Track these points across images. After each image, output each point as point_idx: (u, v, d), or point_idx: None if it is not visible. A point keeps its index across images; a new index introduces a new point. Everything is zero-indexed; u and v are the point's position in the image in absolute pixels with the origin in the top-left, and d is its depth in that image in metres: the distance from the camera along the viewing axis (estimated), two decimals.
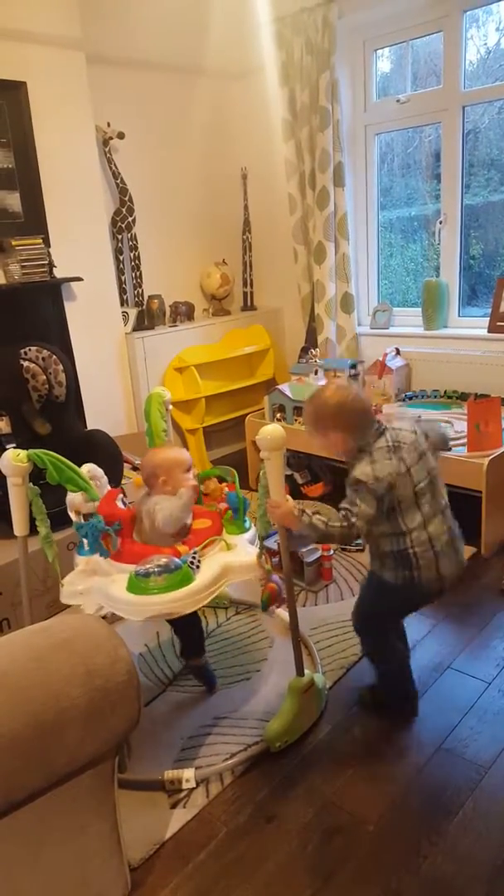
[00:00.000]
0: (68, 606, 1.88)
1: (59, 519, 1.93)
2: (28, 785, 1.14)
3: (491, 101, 3.26)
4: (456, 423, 3.01)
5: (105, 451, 2.80)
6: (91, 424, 3.28)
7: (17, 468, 1.72)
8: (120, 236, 3.58)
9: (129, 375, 3.63)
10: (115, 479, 2.69)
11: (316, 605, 2.49)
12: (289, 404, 3.25)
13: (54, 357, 2.81)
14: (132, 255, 3.64)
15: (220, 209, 4.14)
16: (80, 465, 1.83)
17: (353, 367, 3.47)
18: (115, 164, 3.47)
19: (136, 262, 3.65)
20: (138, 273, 3.68)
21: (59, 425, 2.83)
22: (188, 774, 1.71)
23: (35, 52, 2.96)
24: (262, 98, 3.80)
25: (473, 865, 1.46)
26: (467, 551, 2.71)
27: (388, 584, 1.75)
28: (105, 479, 1.94)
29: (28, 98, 2.96)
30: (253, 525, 1.91)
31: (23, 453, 1.72)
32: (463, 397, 3.31)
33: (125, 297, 3.67)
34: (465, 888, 1.41)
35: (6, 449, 1.77)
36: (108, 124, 3.41)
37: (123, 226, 3.56)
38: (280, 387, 3.39)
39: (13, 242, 2.92)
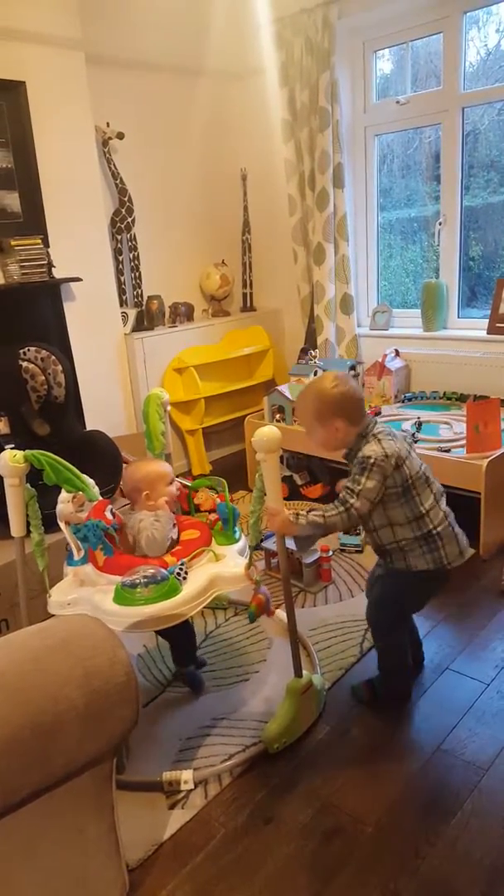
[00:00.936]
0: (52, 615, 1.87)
1: (56, 521, 1.92)
2: (26, 786, 1.14)
3: (491, 102, 3.26)
4: (455, 425, 3.01)
5: (104, 452, 2.80)
6: (90, 425, 3.28)
7: (14, 469, 1.71)
8: (119, 237, 3.58)
9: (128, 376, 3.63)
10: (113, 480, 2.69)
11: (315, 606, 2.48)
12: (288, 405, 3.25)
13: (53, 357, 2.81)
14: (131, 255, 3.64)
15: (220, 210, 4.14)
16: (78, 466, 1.83)
17: (353, 368, 3.47)
18: (114, 165, 3.47)
19: (136, 262, 3.65)
20: (138, 273, 3.68)
21: (58, 426, 2.83)
22: (186, 775, 1.71)
23: (34, 52, 2.96)
24: (262, 99, 3.81)
25: (472, 866, 1.45)
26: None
27: (416, 572, 1.76)
28: (97, 489, 1.94)
29: (27, 98, 2.97)
30: (244, 535, 1.91)
31: (19, 454, 1.71)
32: (462, 398, 3.31)
33: (124, 298, 3.67)
34: (464, 889, 1.41)
35: (4, 450, 1.77)
36: (108, 124, 3.41)
37: (123, 226, 3.56)
38: (279, 388, 3.39)
39: (12, 242, 2.92)
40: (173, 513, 1.95)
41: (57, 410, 2.83)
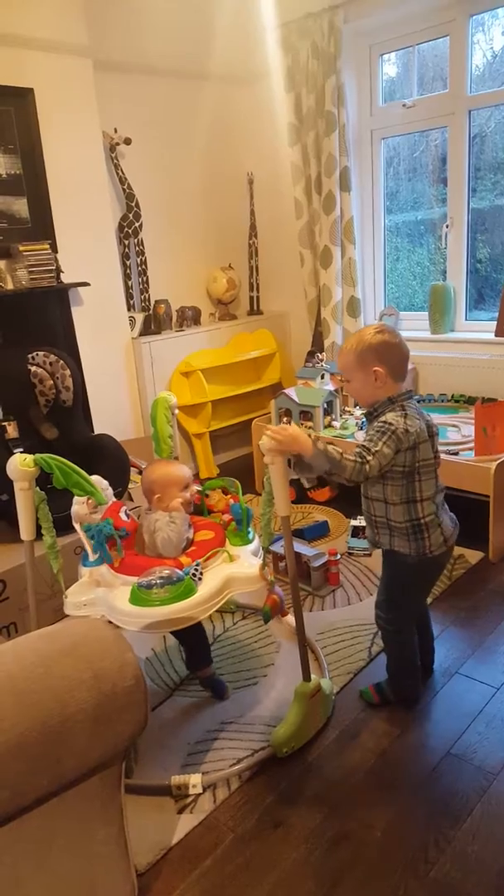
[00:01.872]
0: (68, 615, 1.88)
1: (66, 523, 1.93)
2: (35, 789, 1.14)
3: (497, 104, 3.26)
4: (463, 427, 3.00)
5: (112, 456, 2.81)
6: (98, 429, 3.30)
7: (24, 472, 1.72)
8: (127, 241, 3.60)
9: (135, 380, 3.64)
10: (121, 483, 2.70)
11: (323, 609, 2.48)
12: (295, 408, 3.25)
13: (61, 362, 2.82)
14: (139, 260, 3.65)
15: (227, 214, 4.15)
16: (86, 470, 1.83)
17: None
18: (121, 170, 3.49)
19: (143, 267, 3.67)
20: (145, 278, 3.69)
21: (67, 430, 2.85)
22: (195, 780, 1.71)
23: (42, 59, 2.99)
24: (268, 103, 3.82)
25: (481, 872, 1.45)
26: (475, 556, 2.70)
27: (403, 555, 1.77)
28: (110, 490, 1.94)
29: (35, 105, 2.99)
30: (257, 536, 1.91)
31: (29, 458, 1.72)
32: (470, 401, 3.31)
33: (132, 302, 3.69)
34: (473, 894, 1.40)
35: (14, 453, 1.77)
36: (115, 130, 3.43)
37: (130, 231, 3.57)
38: (286, 391, 3.39)
39: (21, 248, 2.94)
40: (188, 514, 1.96)
41: (65, 414, 2.84)
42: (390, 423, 1.64)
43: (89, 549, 1.77)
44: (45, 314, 3.13)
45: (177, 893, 1.47)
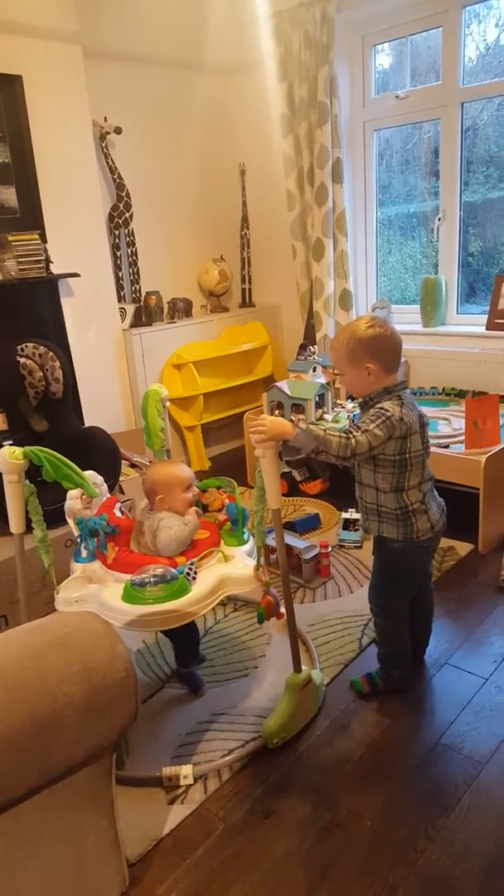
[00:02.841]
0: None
1: (56, 516, 1.93)
2: (26, 782, 1.14)
3: (490, 97, 3.26)
4: (454, 420, 3.01)
5: (102, 449, 2.79)
6: (88, 421, 3.28)
7: (13, 465, 1.71)
8: (117, 232, 3.57)
9: (126, 372, 3.63)
10: (113, 476, 2.69)
11: (314, 601, 2.49)
12: (287, 401, 3.25)
13: (51, 353, 2.80)
14: (129, 250, 3.63)
15: (218, 205, 4.13)
16: (77, 462, 1.82)
17: None
18: (111, 159, 3.46)
19: (134, 258, 3.64)
20: (136, 269, 3.67)
21: (57, 422, 2.83)
22: (186, 771, 1.71)
23: (31, 46, 2.95)
24: (261, 93, 3.80)
25: (470, 860, 1.46)
26: (465, 548, 2.72)
27: (391, 540, 1.79)
28: (105, 486, 1.93)
29: (24, 92, 2.95)
30: (252, 537, 1.90)
31: (18, 450, 1.71)
32: (461, 394, 3.32)
33: (122, 294, 3.67)
34: (462, 882, 1.42)
35: (2, 446, 1.76)
36: (105, 119, 3.39)
37: (121, 221, 3.55)
38: (278, 384, 3.38)
39: (9, 238, 2.91)
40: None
41: (55, 406, 2.83)
42: (386, 410, 1.66)
43: (83, 548, 1.77)
44: (34, 305, 3.11)
45: (168, 884, 1.47)
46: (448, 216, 3.47)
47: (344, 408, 3.36)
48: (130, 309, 3.63)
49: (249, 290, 4.29)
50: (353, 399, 3.46)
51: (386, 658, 1.97)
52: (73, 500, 1.77)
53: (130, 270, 3.67)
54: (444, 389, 3.40)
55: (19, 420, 2.75)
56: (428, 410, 3.15)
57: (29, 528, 1.82)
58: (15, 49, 2.90)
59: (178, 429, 3.85)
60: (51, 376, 2.78)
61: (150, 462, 2.23)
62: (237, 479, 3.54)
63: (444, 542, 2.77)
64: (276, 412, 3.44)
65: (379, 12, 3.38)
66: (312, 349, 3.68)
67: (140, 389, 3.58)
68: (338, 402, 3.45)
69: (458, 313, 3.59)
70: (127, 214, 3.55)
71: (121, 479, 2.92)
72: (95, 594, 1.70)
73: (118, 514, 1.92)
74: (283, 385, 3.36)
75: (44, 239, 3.05)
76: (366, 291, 3.94)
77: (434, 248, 3.61)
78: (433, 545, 1.89)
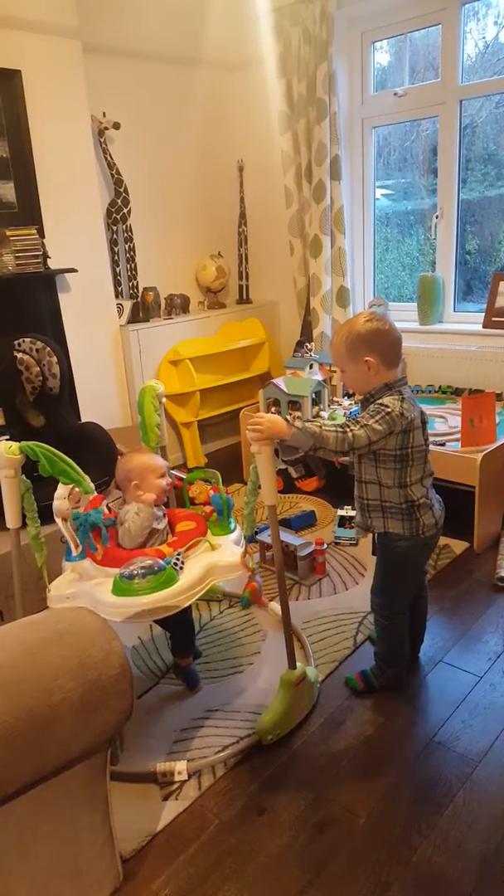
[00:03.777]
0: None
1: (51, 513, 1.92)
2: (20, 777, 1.14)
3: (489, 95, 3.26)
4: (450, 418, 3.02)
5: (99, 444, 2.79)
6: (85, 417, 3.27)
7: (10, 460, 1.71)
8: (115, 227, 3.56)
9: (123, 368, 3.62)
10: (109, 472, 2.68)
11: (309, 598, 2.49)
12: (283, 398, 3.25)
13: (48, 349, 2.79)
14: (127, 246, 3.62)
15: (216, 201, 4.12)
16: (73, 458, 1.82)
17: None
18: (110, 155, 3.45)
19: (131, 253, 3.63)
20: (133, 265, 3.66)
21: (53, 418, 2.82)
22: (180, 767, 1.72)
23: (30, 41, 2.94)
24: (260, 89, 3.79)
25: (463, 857, 1.47)
26: (460, 546, 2.72)
27: (397, 536, 1.79)
28: (92, 485, 1.93)
29: (23, 87, 2.94)
30: (238, 526, 1.91)
31: (15, 445, 1.71)
32: (457, 392, 3.32)
33: (120, 289, 3.66)
34: (455, 880, 1.42)
35: None
36: (104, 114, 3.38)
37: (118, 217, 3.54)
38: (275, 381, 3.38)
39: (7, 233, 2.90)
40: (165, 505, 1.95)
41: (52, 402, 2.82)
42: (386, 405, 1.66)
43: (72, 545, 1.76)
44: (31, 300, 3.10)
45: (162, 879, 1.47)
46: (445, 214, 3.47)
47: (340, 405, 3.36)
48: (128, 305, 3.63)
49: (247, 286, 4.29)
50: (350, 396, 3.46)
51: (384, 656, 1.98)
52: (60, 500, 1.76)
53: (128, 266, 3.66)
54: (440, 387, 3.40)
55: (16, 415, 2.74)
56: (424, 408, 3.16)
57: (24, 523, 1.82)
58: (14, 44, 2.89)
59: (175, 425, 3.85)
60: (48, 372, 2.77)
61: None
62: (233, 476, 3.57)
63: (440, 541, 2.77)
64: (273, 409, 3.44)
65: (378, 9, 3.37)
66: (309, 346, 3.68)
67: (137, 385, 3.57)
68: (334, 399, 3.45)
69: (454, 311, 3.59)
70: (125, 210, 3.54)
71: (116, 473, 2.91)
72: (87, 590, 1.70)
73: (105, 511, 1.92)
74: (279, 382, 3.36)
75: (41, 234, 3.04)
76: (363, 288, 3.94)
77: (431, 245, 3.61)
78: (436, 541, 1.89)
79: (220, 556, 1.77)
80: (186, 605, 1.67)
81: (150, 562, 1.65)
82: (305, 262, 3.83)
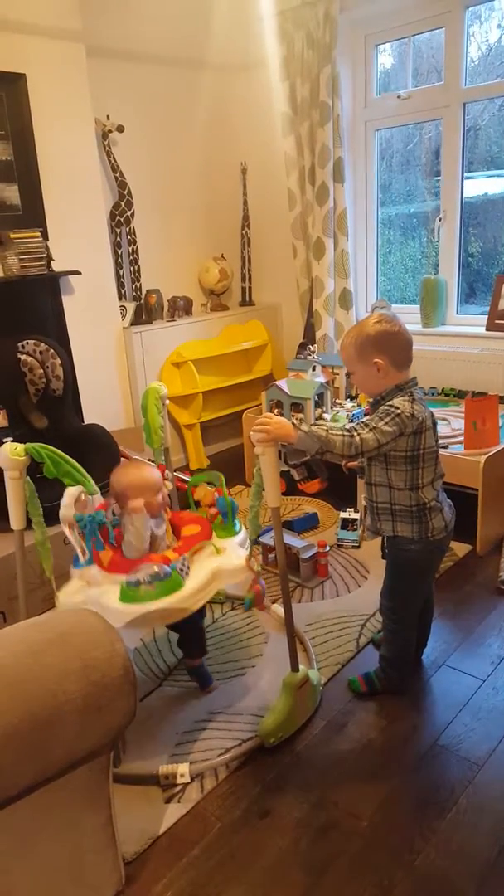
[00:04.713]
0: None
1: (55, 514, 1.92)
2: (23, 779, 1.14)
3: (492, 98, 3.26)
4: (453, 421, 3.02)
5: (102, 446, 2.79)
6: (88, 419, 3.28)
7: (15, 461, 1.71)
8: (118, 230, 3.57)
9: (126, 370, 3.63)
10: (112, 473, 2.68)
11: (311, 601, 2.49)
12: (286, 400, 3.25)
13: (52, 351, 2.80)
14: (130, 249, 3.62)
15: (220, 204, 4.13)
16: (77, 460, 1.82)
17: None
18: (114, 158, 3.46)
19: (135, 256, 3.64)
20: (136, 267, 3.66)
21: (57, 419, 2.83)
22: (183, 769, 1.72)
23: (35, 44, 2.94)
24: (263, 92, 3.79)
25: (466, 861, 1.46)
26: (463, 548, 2.72)
27: (406, 539, 1.78)
28: (96, 487, 1.93)
29: (27, 90, 2.95)
30: (243, 528, 1.91)
31: (20, 447, 1.71)
32: (460, 395, 3.32)
33: (123, 292, 3.66)
34: (458, 883, 1.42)
35: (3, 443, 1.76)
36: (108, 117, 3.39)
37: (122, 219, 3.54)
38: (277, 383, 3.38)
39: (11, 235, 2.90)
40: (168, 510, 1.96)
41: (55, 404, 2.83)
42: (396, 407, 1.65)
43: (80, 552, 1.76)
44: (35, 302, 3.10)
45: (164, 882, 1.47)
46: (448, 216, 3.47)
47: (343, 407, 3.36)
48: (131, 307, 3.63)
49: (249, 288, 4.29)
50: (353, 398, 3.46)
51: (390, 660, 1.97)
52: (67, 508, 1.75)
53: (131, 268, 3.66)
54: (443, 390, 3.40)
55: (19, 417, 2.74)
56: None
57: (28, 525, 1.82)
58: (18, 47, 2.90)
59: (177, 427, 3.85)
60: (51, 373, 2.78)
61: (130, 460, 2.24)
62: (236, 478, 3.57)
63: None
64: (276, 411, 3.44)
65: (381, 12, 3.38)
66: (312, 348, 3.68)
67: (140, 387, 3.57)
68: (337, 401, 3.45)
69: (457, 314, 3.59)
70: (128, 212, 3.54)
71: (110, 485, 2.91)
72: (94, 598, 1.70)
73: (110, 515, 1.93)
74: (282, 384, 3.36)
75: (45, 236, 3.05)
76: (366, 291, 3.94)
77: (434, 248, 3.61)
78: (446, 544, 1.87)
79: (225, 560, 1.78)
80: (194, 609, 1.67)
81: (156, 568, 1.66)
82: (308, 264, 3.83)
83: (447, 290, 3.54)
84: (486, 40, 3.27)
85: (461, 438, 2.74)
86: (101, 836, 1.35)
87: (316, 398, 3.19)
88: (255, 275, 4.29)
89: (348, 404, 3.38)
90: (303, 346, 3.78)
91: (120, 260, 3.61)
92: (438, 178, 3.48)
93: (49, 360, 2.78)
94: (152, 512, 1.85)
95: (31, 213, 3.07)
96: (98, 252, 3.39)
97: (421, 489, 1.74)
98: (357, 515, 2.87)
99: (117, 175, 3.48)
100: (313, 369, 3.41)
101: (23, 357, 2.72)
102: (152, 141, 3.70)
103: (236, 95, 4.01)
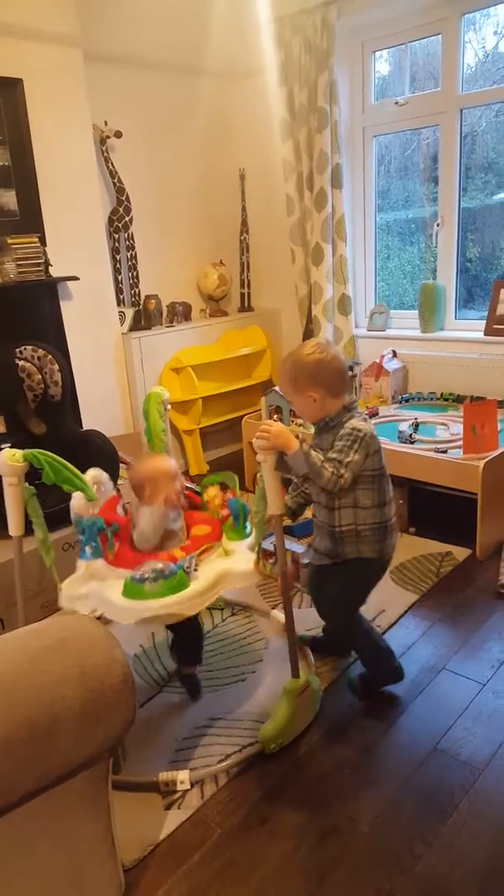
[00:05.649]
0: (62, 608, 1.88)
1: (56, 520, 1.93)
2: (22, 787, 1.13)
3: (488, 104, 3.27)
4: (452, 426, 3.02)
5: (101, 452, 2.79)
6: (87, 425, 3.27)
7: (14, 468, 1.71)
8: (117, 236, 3.58)
9: (125, 376, 3.63)
10: (112, 479, 2.68)
11: (311, 607, 2.48)
12: (285, 406, 3.25)
13: (50, 356, 2.80)
14: (129, 254, 3.63)
15: (218, 209, 4.14)
16: (75, 465, 1.83)
17: (350, 368, 3.46)
18: (112, 163, 3.47)
19: (133, 261, 3.65)
20: (135, 273, 3.67)
21: (55, 425, 2.82)
22: (183, 776, 1.71)
23: (32, 49, 2.96)
24: (261, 98, 3.80)
25: (467, 866, 1.46)
26: (462, 553, 2.72)
27: (366, 559, 1.80)
28: (110, 484, 1.94)
29: (24, 95, 2.96)
30: (253, 531, 1.91)
31: (19, 453, 1.71)
32: (459, 400, 3.32)
33: (122, 297, 3.67)
34: (459, 889, 1.41)
35: (1, 449, 1.76)
36: (106, 123, 3.40)
37: (120, 225, 3.55)
38: (276, 388, 3.39)
39: (9, 241, 2.91)
40: (182, 508, 1.96)
41: (53, 409, 2.82)
42: (358, 430, 1.67)
43: (88, 547, 1.77)
44: (33, 308, 3.10)
45: (164, 889, 1.47)
46: (446, 222, 3.48)
47: None
48: (129, 312, 3.64)
49: (248, 294, 4.30)
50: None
51: (370, 660, 2.01)
52: (78, 499, 1.77)
53: (130, 274, 3.67)
54: (442, 395, 3.40)
55: (18, 423, 2.74)
56: (426, 416, 3.19)
57: (28, 530, 1.82)
58: (16, 52, 2.91)
59: (177, 432, 3.85)
60: (49, 379, 2.78)
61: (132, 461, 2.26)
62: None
63: (442, 548, 2.77)
64: (275, 416, 3.44)
65: (379, 19, 3.40)
66: None
67: (139, 393, 3.58)
68: None
69: (456, 319, 3.59)
70: (127, 218, 3.55)
71: (119, 482, 2.91)
72: (98, 591, 1.70)
73: (121, 512, 1.93)
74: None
75: (43, 242, 3.05)
76: (364, 296, 3.95)
77: (432, 253, 3.62)
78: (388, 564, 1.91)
79: (233, 563, 1.78)
80: (198, 610, 1.67)
81: (161, 565, 1.65)
82: (307, 269, 3.84)
83: (445, 295, 3.54)
84: (483, 47, 3.29)
85: (460, 443, 2.74)
86: (100, 843, 1.34)
87: None
88: (254, 280, 4.30)
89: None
90: None
91: (118, 265, 3.62)
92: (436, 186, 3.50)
93: (47, 366, 2.78)
94: (171, 503, 1.86)
95: (29, 219, 3.08)
96: (96, 258, 3.39)
97: (387, 505, 1.77)
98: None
99: (115, 181, 3.48)
100: None
101: (21, 363, 2.72)
102: (150, 147, 3.71)
103: (234, 101, 4.03)
